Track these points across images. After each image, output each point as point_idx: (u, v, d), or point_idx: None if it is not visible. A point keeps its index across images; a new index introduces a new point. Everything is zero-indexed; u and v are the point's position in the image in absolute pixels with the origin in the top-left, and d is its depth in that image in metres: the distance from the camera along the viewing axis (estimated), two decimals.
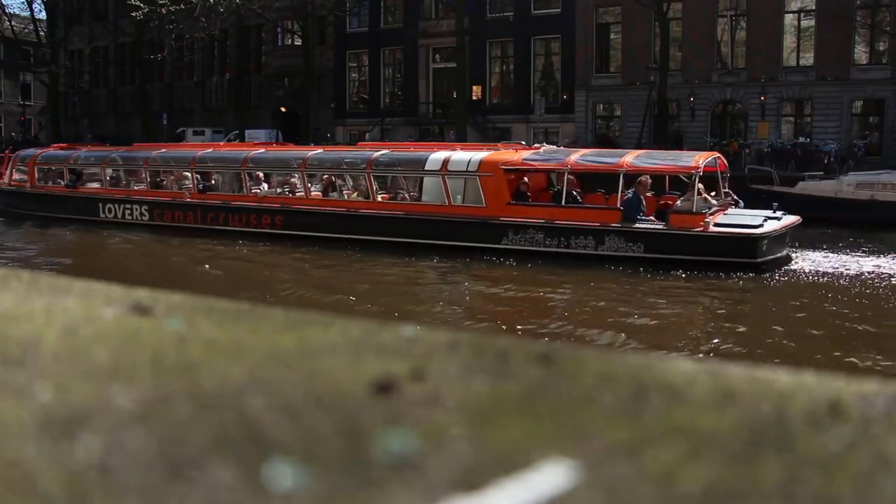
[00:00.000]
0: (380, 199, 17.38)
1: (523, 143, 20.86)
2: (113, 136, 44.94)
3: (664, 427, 0.72)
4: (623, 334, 10.37)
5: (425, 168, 16.78)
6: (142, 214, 20.17)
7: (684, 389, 0.81)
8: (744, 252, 14.16)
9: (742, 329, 10.99)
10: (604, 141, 34.35)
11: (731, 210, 15.47)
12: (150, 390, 0.81)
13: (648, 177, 15.40)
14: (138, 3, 36.44)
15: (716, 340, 10.20)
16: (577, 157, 16.31)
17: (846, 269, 14.53)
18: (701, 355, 9.25)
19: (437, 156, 16.82)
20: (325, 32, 42.10)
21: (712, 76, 33.00)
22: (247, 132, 40.29)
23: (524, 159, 16.36)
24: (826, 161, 27.10)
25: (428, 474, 0.64)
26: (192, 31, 39.44)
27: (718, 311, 12.14)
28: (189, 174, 19.67)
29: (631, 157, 15.96)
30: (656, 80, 31.47)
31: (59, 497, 0.60)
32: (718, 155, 17.32)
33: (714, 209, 14.90)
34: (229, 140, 40.72)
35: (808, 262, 15.21)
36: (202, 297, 1.25)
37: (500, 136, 36.21)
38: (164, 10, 36.26)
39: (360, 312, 11.08)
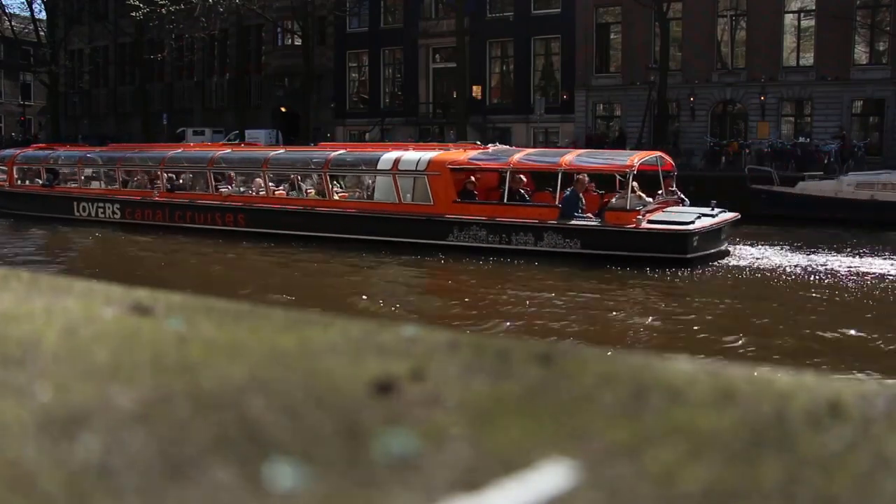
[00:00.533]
0: (337, 197, 18.17)
1: (478, 142, 21.49)
2: (113, 136, 45.00)
3: (664, 427, 0.72)
4: (540, 324, 10.90)
5: (377, 168, 17.50)
6: (114, 213, 20.91)
7: (684, 389, 0.81)
8: (674, 248, 14.67)
9: (657, 321, 11.41)
10: (600, 140, 34.38)
11: (671, 208, 15.91)
12: (150, 390, 0.81)
13: (586, 175, 16.00)
14: (138, 3, 36.45)
15: (631, 333, 10.65)
16: (521, 156, 16.94)
17: (777, 265, 15.11)
18: (617, 346, 9.67)
19: (388, 156, 17.53)
20: (325, 32, 42.11)
21: (712, 76, 33.01)
22: (247, 132, 40.29)
23: (470, 159, 16.95)
24: (826, 161, 27.10)
25: (428, 474, 0.64)
26: (192, 31, 39.45)
27: (640, 305, 12.54)
28: (158, 174, 20.44)
29: (570, 157, 16.70)
30: (656, 80, 31.47)
31: (59, 497, 0.60)
32: (661, 154, 18.03)
33: (650, 206, 15.45)
34: (229, 140, 40.73)
35: (743, 257, 15.75)
36: (202, 297, 1.25)
37: (500, 136, 36.23)
38: (164, 10, 36.27)
39: (275, 302, 11.52)
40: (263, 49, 45.56)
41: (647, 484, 0.62)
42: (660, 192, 16.46)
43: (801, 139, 30.01)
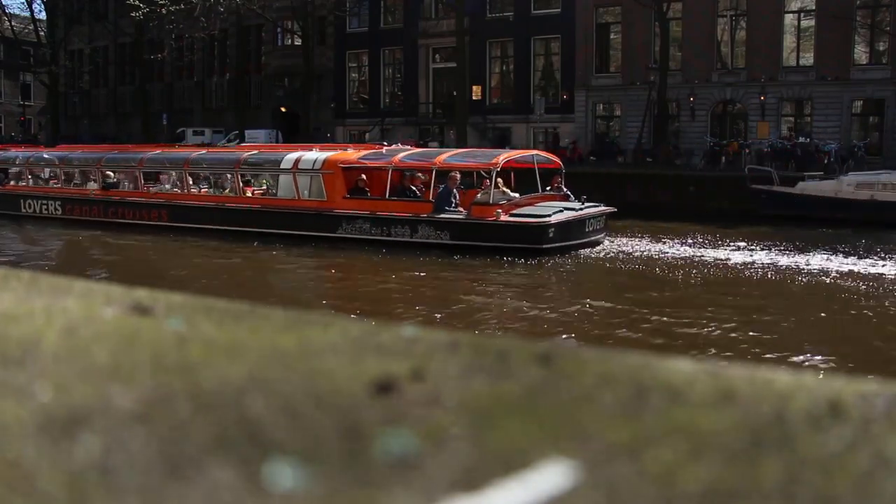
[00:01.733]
0: (249, 193, 19.78)
1: (385, 143, 23.11)
2: (113, 136, 45.03)
3: (664, 427, 0.72)
4: (402, 307, 12.00)
5: (280, 167, 19.06)
6: (56, 209, 22.47)
7: (684, 389, 0.81)
8: (531, 239, 15.88)
9: (505, 303, 12.59)
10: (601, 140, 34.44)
11: (545, 202, 17.06)
12: (150, 390, 0.81)
13: (457, 172, 17.23)
14: (138, 3, 36.44)
15: (479, 314, 11.48)
16: (403, 156, 18.37)
17: (642, 254, 16.43)
18: (465, 324, 10.68)
19: (291, 156, 19.11)
20: (325, 32, 42.10)
21: (712, 76, 33.00)
22: (247, 132, 40.29)
23: (359, 159, 18.46)
24: (826, 161, 27.09)
25: (428, 474, 0.64)
26: (192, 31, 39.46)
27: (494, 289, 13.63)
28: (96, 173, 22.20)
29: (444, 156, 18.18)
30: (656, 80, 31.47)
31: (59, 497, 0.60)
32: (537, 152, 19.76)
33: (518, 200, 16.83)
34: (229, 140, 40.76)
35: (609, 248, 16.98)
36: (202, 297, 1.26)
37: (500, 135, 36.23)
38: (164, 10, 36.26)
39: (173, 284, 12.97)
40: (263, 49, 45.55)
41: (647, 484, 0.62)
42: (548, 188, 18.05)
43: (801, 139, 30.00)
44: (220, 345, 0.97)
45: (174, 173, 20.96)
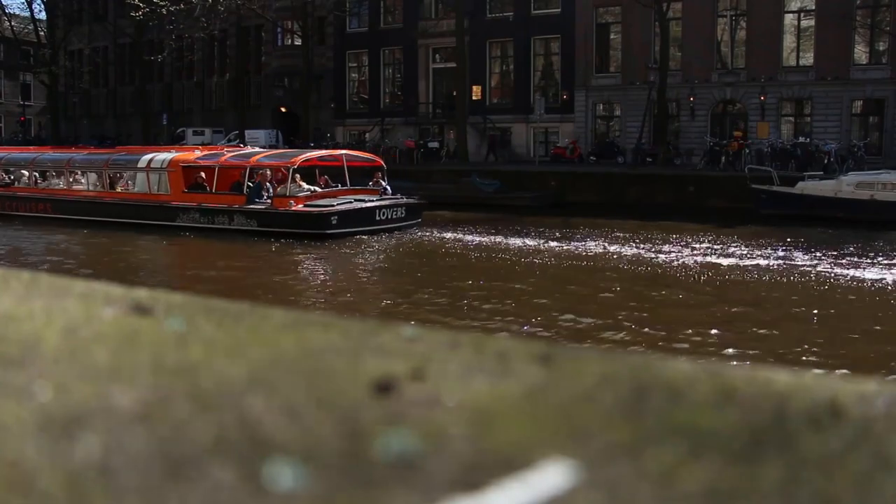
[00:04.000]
0: (119, 189, 22.76)
1: (226, 143, 27.38)
2: (113, 137, 45.00)
3: (664, 427, 0.72)
4: (205, 281, 14.15)
5: (138, 166, 22.24)
6: None
7: (684, 389, 0.81)
8: (317, 225, 18.71)
9: (289, 278, 15.03)
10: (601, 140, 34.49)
11: (342, 196, 20.00)
12: (150, 390, 0.81)
13: (268, 170, 20.18)
14: (138, 3, 36.43)
15: (257, 291, 13.05)
16: (229, 156, 21.73)
17: (436, 242, 18.78)
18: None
19: (146, 157, 22.48)
20: (325, 32, 42.09)
21: (712, 76, 33.00)
22: (247, 132, 40.30)
23: (196, 159, 21.74)
24: (826, 161, 27.09)
25: (428, 474, 0.64)
26: (192, 31, 39.44)
27: (281, 265, 16.30)
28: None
29: (258, 157, 21.46)
30: (656, 80, 31.46)
31: (59, 497, 0.60)
32: (347, 152, 23.36)
33: (316, 193, 19.78)
34: (229, 140, 40.75)
35: (401, 236, 19.32)
36: (202, 297, 1.26)
37: (500, 135, 36.25)
38: (163, 11, 36.25)
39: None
40: (263, 49, 45.54)
41: (647, 484, 0.62)
42: (371, 185, 21.02)
43: (801, 139, 29.99)
44: (220, 345, 0.97)
45: (58, 171, 24.23)
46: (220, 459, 0.66)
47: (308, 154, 21.83)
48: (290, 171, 19.64)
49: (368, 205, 19.50)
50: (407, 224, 20.18)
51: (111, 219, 21.49)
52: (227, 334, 1.02)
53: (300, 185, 19.85)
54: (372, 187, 20.89)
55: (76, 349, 0.95)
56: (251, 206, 19.56)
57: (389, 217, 19.77)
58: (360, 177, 21.70)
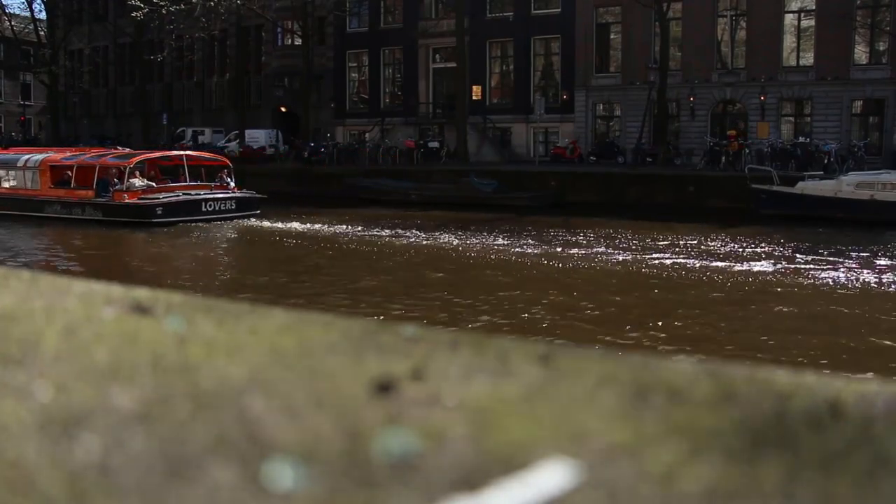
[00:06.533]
0: (7, 185, 25.90)
1: (119, 147, 31.79)
2: (113, 137, 44.99)
3: (664, 427, 0.72)
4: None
5: (17, 165, 25.69)
6: None
7: (684, 389, 0.81)
8: (144, 215, 22.23)
9: (118, 256, 18.44)
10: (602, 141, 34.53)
11: (178, 190, 23.33)
12: (150, 390, 0.81)
13: (114, 168, 23.35)
14: (138, 3, 36.43)
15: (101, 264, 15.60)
16: (87, 157, 25.19)
17: (259, 230, 21.76)
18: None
19: (24, 157, 26.08)
20: (325, 32, 42.07)
21: (712, 76, 33.00)
22: (247, 132, 40.29)
23: (61, 159, 25.22)
24: (826, 161, 27.08)
25: (428, 474, 0.64)
26: (192, 31, 39.41)
27: (111, 248, 19.74)
28: None
29: (108, 157, 24.80)
30: (656, 79, 31.45)
31: (59, 497, 0.60)
32: (188, 153, 26.54)
33: (153, 188, 23.01)
34: (229, 140, 40.73)
35: (235, 226, 22.47)
36: (202, 297, 1.25)
37: (500, 135, 36.24)
38: (164, 10, 36.25)
39: None
40: (263, 49, 45.51)
41: (647, 484, 0.62)
42: (222, 182, 24.22)
43: (801, 139, 29.98)
44: (220, 345, 0.97)
45: None
46: (220, 459, 0.66)
47: (147, 155, 26.00)
48: (127, 169, 23.07)
49: (194, 197, 22.93)
50: (240, 215, 23.41)
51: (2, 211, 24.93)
52: (226, 334, 1.02)
53: (135, 182, 23.14)
54: (218, 183, 24.17)
55: (76, 349, 0.95)
56: (98, 199, 23.11)
57: (218, 209, 23.16)
58: (208, 175, 24.85)
